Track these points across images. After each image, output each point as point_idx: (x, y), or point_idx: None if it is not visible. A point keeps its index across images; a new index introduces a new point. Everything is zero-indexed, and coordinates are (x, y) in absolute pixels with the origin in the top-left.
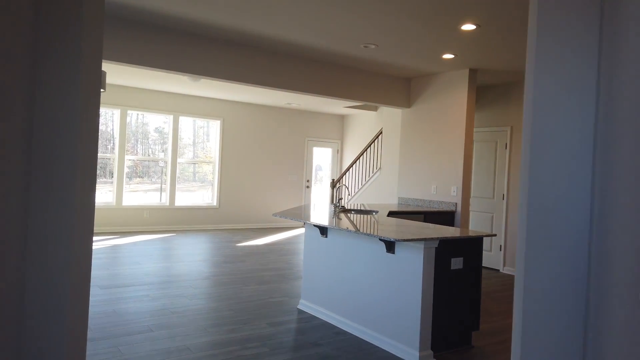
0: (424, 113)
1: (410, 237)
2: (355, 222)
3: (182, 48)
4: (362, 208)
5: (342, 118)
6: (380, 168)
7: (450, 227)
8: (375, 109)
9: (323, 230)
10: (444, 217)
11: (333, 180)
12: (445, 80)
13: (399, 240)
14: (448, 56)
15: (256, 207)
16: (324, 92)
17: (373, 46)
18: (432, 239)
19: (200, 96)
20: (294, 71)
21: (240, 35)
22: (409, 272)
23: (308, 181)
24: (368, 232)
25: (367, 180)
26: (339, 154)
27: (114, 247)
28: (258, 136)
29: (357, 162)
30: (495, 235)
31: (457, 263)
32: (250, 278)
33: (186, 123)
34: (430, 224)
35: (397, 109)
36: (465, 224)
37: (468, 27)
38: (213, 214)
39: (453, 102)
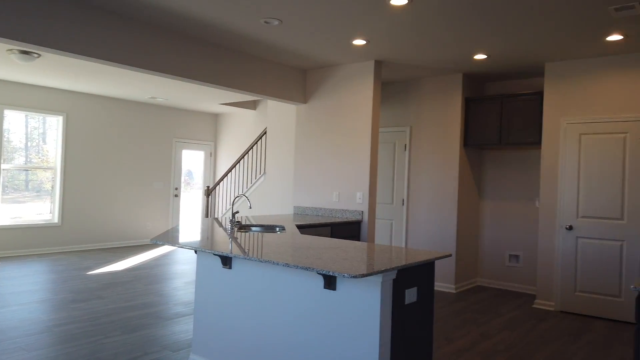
0: (323, 110)
1: (369, 270)
2: (264, 244)
3: (4, 4)
4: (264, 223)
5: (215, 117)
6: (264, 173)
7: (409, 249)
8: (254, 107)
9: (226, 260)
10: (351, 227)
11: (208, 187)
12: (348, 73)
13: (356, 276)
14: (359, 42)
15: (111, 223)
16: (204, 79)
17: (276, 22)
18: (391, 269)
19: (34, 84)
20: (168, 49)
21: None
22: (359, 315)
23: (177, 189)
24: (302, 264)
25: (248, 186)
26: (212, 157)
27: None
28: (113, 137)
29: (237, 166)
30: (450, 255)
31: (411, 295)
32: (112, 324)
33: (15, 119)
34: (366, 244)
35: (292, 104)
36: (372, 234)
37: (399, 1)
38: (54, 233)
39: (357, 98)
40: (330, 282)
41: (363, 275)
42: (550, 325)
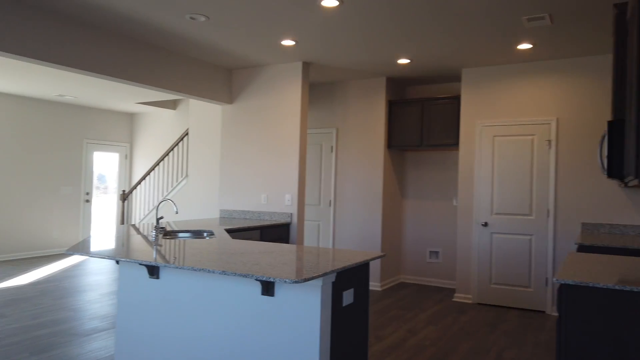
0: (251, 111)
1: (311, 274)
2: (195, 251)
3: None
4: (190, 228)
5: (131, 117)
6: (187, 175)
7: (344, 251)
8: (174, 106)
9: (153, 270)
10: (280, 230)
11: (124, 191)
12: (276, 74)
13: (299, 281)
14: (288, 42)
15: (13, 232)
16: (120, 75)
17: (203, 18)
18: (331, 272)
19: None
20: (80, 42)
21: None
22: (298, 320)
23: (88, 194)
24: (241, 271)
25: (169, 190)
26: (128, 159)
27: None
28: (14, 137)
29: (156, 169)
30: (384, 255)
31: (348, 297)
32: (17, 345)
33: None
34: (303, 247)
35: (216, 104)
36: (301, 236)
37: (330, 2)
38: None
39: (285, 99)
40: (268, 288)
41: (306, 280)
42: (470, 318)
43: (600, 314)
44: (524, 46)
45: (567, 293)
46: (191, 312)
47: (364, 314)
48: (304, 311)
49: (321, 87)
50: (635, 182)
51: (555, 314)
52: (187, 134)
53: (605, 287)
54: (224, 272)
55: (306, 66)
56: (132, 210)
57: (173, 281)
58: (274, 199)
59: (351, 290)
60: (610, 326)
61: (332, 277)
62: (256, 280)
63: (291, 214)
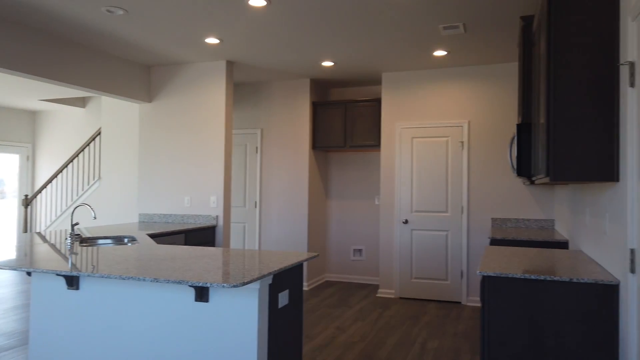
0: (172, 110)
1: (250, 278)
2: (119, 258)
3: None
4: (109, 235)
5: (34, 115)
6: (100, 178)
7: (277, 252)
8: (83, 104)
9: (72, 280)
10: (205, 233)
11: (26, 196)
12: (199, 72)
13: (237, 285)
14: (212, 41)
15: None
16: (21, 69)
17: (121, 11)
18: (268, 274)
19: None
20: None
21: None
22: (235, 324)
23: None
24: (174, 277)
25: (79, 194)
26: (30, 161)
27: None
28: None
29: (64, 171)
30: (317, 255)
31: (284, 298)
32: None
33: None
34: (236, 250)
35: (133, 103)
36: (227, 239)
37: (258, 2)
38: None
39: (209, 99)
40: (202, 294)
41: (244, 283)
42: (394, 312)
43: (516, 300)
44: (440, 53)
45: (489, 284)
46: (117, 324)
47: (298, 314)
48: (240, 315)
49: (245, 87)
50: (544, 179)
51: (470, 304)
52: (99, 133)
53: (519, 276)
54: (155, 280)
55: (230, 65)
56: (36, 216)
57: (95, 292)
58: (198, 202)
59: (286, 292)
60: (526, 311)
61: (269, 280)
62: (190, 286)
63: (217, 216)
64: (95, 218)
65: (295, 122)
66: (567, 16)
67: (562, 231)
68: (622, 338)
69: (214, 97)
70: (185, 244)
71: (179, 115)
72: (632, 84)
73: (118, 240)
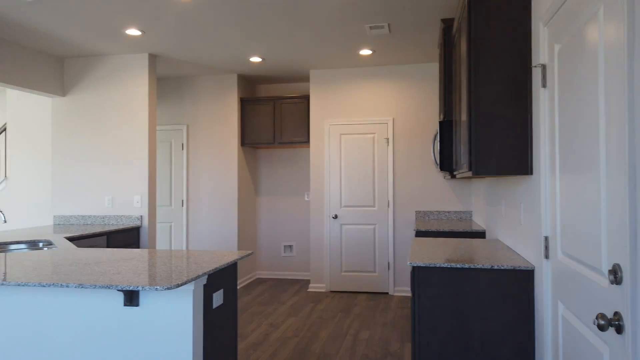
0: (90, 104)
1: (184, 279)
2: (36, 264)
3: None
4: (21, 239)
5: None
6: (5, 177)
7: (210, 251)
8: None
9: None
10: (129, 234)
11: None
12: (119, 65)
13: (171, 287)
14: (134, 32)
15: None
16: None
17: None
18: (203, 274)
19: None
20: None
21: None
22: (168, 327)
23: None
24: (102, 282)
25: None
26: None
27: None
28: None
29: None
30: (251, 253)
31: (218, 298)
32: None
33: None
34: (166, 251)
35: (45, 96)
36: (153, 240)
37: None
38: None
39: (130, 93)
40: (132, 298)
41: (179, 285)
42: (325, 305)
43: (444, 288)
44: (366, 52)
45: (418, 274)
46: (40, 335)
47: (233, 313)
48: (174, 318)
49: (170, 82)
50: (467, 174)
51: (397, 294)
52: (4, 129)
53: (445, 266)
54: (81, 286)
55: (153, 58)
56: None
57: (12, 302)
58: (120, 202)
59: (221, 291)
60: (452, 298)
61: (204, 280)
62: (118, 290)
63: (141, 216)
64: (5, 222)
65: (223, 118)
66: (485, 20)
67: (479, 222)
68: (537, 318)
69: (136, 91)
70: (108, 246)
71: (98, 110)
72: (544, 85)
73: (32, 244)
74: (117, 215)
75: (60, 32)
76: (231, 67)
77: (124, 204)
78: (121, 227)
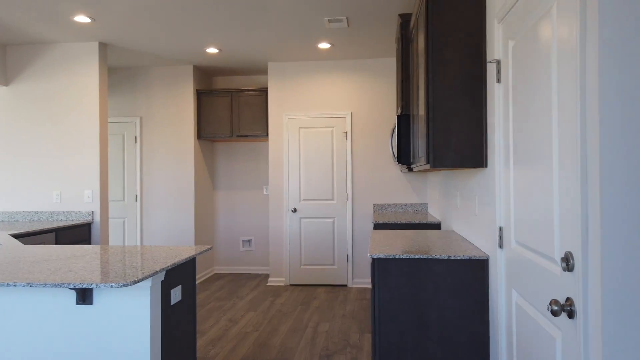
0: (34, 95)
1: (141, 275)
2: None
3: None
4: None
5: None
6: None
7: (166, 247)
8: None
9: None
10: (79, 231)
11: None
12: (67, 54)
13: (128, 284)
14: (82, 19)
15: None
16: None
17: None
18: (160, 270)
19: None
20: None
21: None
22: (125, 326)
23: None
24: (52, 280)
25: None
26: None
27: None
28: None
29: None
30: (210, 248)
31: (176, 294)
32: None
33: None
34: (119, 247)
35: None
36: (105, 236)
37: None
38: None
39: (79, 83)
40: (85, 296)
41: (135, 282)
42: (285, 299)
43: (402, 279)
44: (324, 45)
45: (378, 265)
46: None
47: (192, 309)
48: (130, 316)
49: (122, 72)
50: (425, 167)
51: (356, 285)
52: None
53: (404, 257)
54: (29, 285)
55: (104, 47)
56: None
57: None
58: (70, 197)
59: (179, 287)
60: (411, 288)
61: (162, 276)
62: (70, 289)
63: (92, 211)
64: None
65: (178, 110)
66: (442, 16)
67: (434, 214)
68: (492, 305)
69: (85, 81)
70: (57, 243)
71: (44, 100)
72: (498, 80)
73: None
74: (66, 211)
75: (1, 17)
76: (187, 57)
77: (74, 199)
78: (71, 223)
